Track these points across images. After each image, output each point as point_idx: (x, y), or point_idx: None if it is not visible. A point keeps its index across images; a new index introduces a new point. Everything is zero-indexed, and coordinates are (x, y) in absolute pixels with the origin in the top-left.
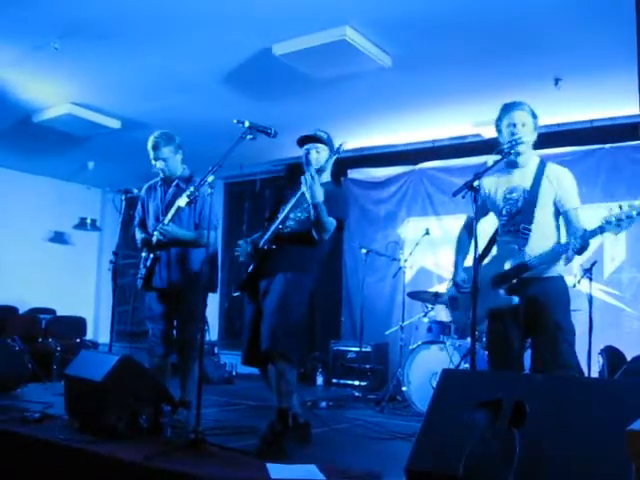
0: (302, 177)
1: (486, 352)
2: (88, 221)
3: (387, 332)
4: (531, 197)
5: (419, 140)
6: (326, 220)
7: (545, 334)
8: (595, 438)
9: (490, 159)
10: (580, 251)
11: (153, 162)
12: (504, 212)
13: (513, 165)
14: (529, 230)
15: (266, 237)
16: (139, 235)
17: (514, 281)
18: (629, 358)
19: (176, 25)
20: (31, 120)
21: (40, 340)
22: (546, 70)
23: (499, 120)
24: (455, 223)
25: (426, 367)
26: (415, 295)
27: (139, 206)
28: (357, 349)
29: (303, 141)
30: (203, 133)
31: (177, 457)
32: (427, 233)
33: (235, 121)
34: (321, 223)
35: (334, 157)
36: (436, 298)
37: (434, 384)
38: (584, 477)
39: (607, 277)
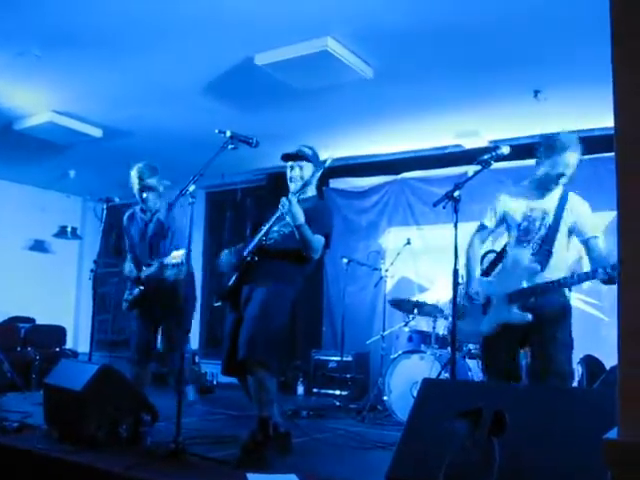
0: (281, 200)
1: (466, 361)
2: (68, 229)
3: (368, 341)
4: (554, 222)
5: (401, 150)
6: (311, 239)
7: (545, 345)
8: (574, 447)
9: (470, 169)
10: (607, 282)
11: (138, 192)
12: (521, 227)
13: (544, 190)
14: (552, 253)
15: (249, 248)
16: (130, 269)
17: (532, 299)
18: (608, 367)
19: (158, 34)
20: (12, 128)
21: (19, 349)
22: (526, 82)
23: (550, 150)
24: (436, 233)
25: (407, 376)
26: (396, 304)
27: (125, 238)
28: (338, 358)
29: (287, 158)
30: (185, 142)
31: (157, 467)
32: (408, 243)
33: (217, 131)
34: (307, 243)
35: (319, 172)
36: (417, 308)
37: (415, 393)
38: None
39: (586, 286)
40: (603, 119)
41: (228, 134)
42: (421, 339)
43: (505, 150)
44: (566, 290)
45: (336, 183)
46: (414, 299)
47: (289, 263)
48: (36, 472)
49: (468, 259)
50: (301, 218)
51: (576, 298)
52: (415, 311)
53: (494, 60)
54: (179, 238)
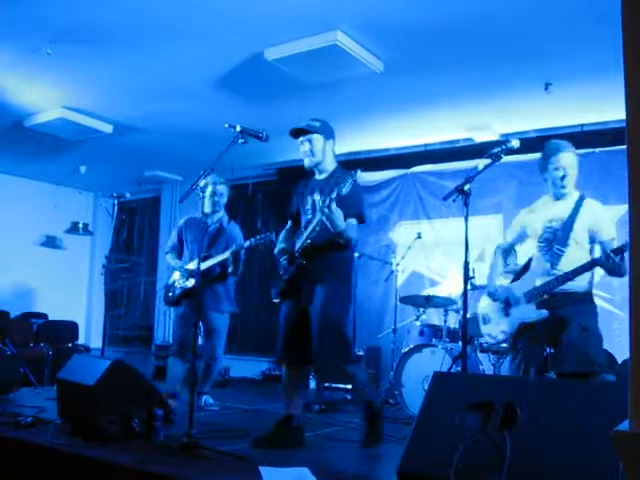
0: (319, 208)
1: (478, 355)
2: (80, 225)
3: (379, 336)
4: (567, 225)
5: (411, 144)
6: (349, 236)
7: (572, 338)
8: (586, 439)
9: (481, 163)
10: (610, 272)
11: (207, 194)
12: (542, 239)
13: (557, 198)
14: (562, 252)
15: (298, 247)
16: (175, 262)
17: (545, 296)
18: (620, 361)
19: (168, 30)
20: (23, 124)
21: (32, 345)
22: (536, 75)
23: (545, 159)
24: (447, 227)
25: (418, 370)
26: (407, 299)
27: (175, 239)
28: None
29: (295, 134)
30: (195, 137)
31: (170, 461)
32: (419, 237)
33: (227, 125)
34: (346, 241)
35: (332, 142)
36: (428, 301)
37: (426, 387)
38: (575, 478)
39: (598, 280)
40: (615, 111)
41: (238, 129)
42: (432, 333)
43: (515, 143)
44: (584, 284)
45: None
46: (425, 293)
47: (337, 255)
48: (49, 466)
49: (490, 272)
50: (342, 225)
51: None
52: (426, 304)
53: (505, 53)
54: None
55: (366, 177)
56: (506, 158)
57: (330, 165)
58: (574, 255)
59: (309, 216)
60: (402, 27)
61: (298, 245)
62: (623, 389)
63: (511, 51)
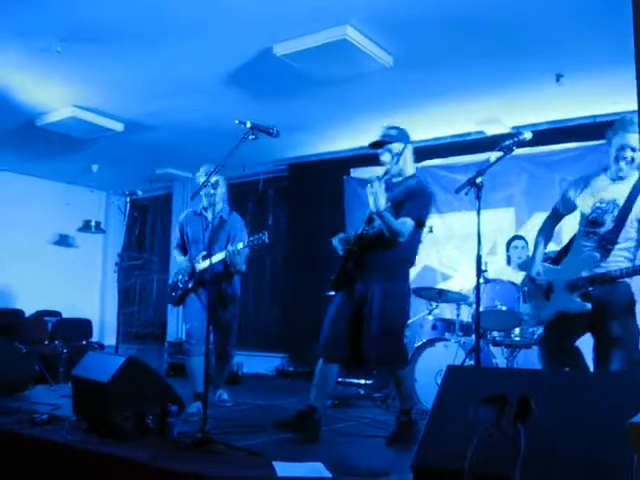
0: (367, 185)
1: (491, 348)
2: (92, 224)
3: None
4: (622, 214)
5: (421, 138)
6: (392, 223)
7: (611, 335)
8: (601, 432)
9: (492, 156)
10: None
11: (204, 191)
12: (590, 219)
13: (613, 178)
14: (614, 244)
15: (353, 236)
16: (180, 259)
17: (591, 289)
18: None
19: (177, 27)
20: (34, 124)
21: (46, 342)
22: (547, 66)
23: (614, 133)
24: (458, 220)
25: (431, 364)
26: (420, 292)
27: (178, 235)
28: None
29: (374, 146)
30: (206, 134)
31: (184, 457)
32: (430, 231)
33: (237, 121)
34: (388, 227)
35: (409, 148)
36: (440, 295)
37: (439, 381)
38: (589, 470)
39: None
40: (627, 102)
41: (248, 125)
42: (445, 327)
43: (527, 136)
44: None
45: (357, 172)
46: (437, 287)
47: (392, 253)
48: (65, 463)
49: (536, 243)
50: (381, 205)
51: None
52: (439, 298)
53: (515, 45)
54: (236, 239)
55: (377, 171)
56: (517, 151)
57: (409, 171)
58: (624, 247)
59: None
60: (411, 21)
61: (355, 233)
62: (637, 379)
63: (522, 43)
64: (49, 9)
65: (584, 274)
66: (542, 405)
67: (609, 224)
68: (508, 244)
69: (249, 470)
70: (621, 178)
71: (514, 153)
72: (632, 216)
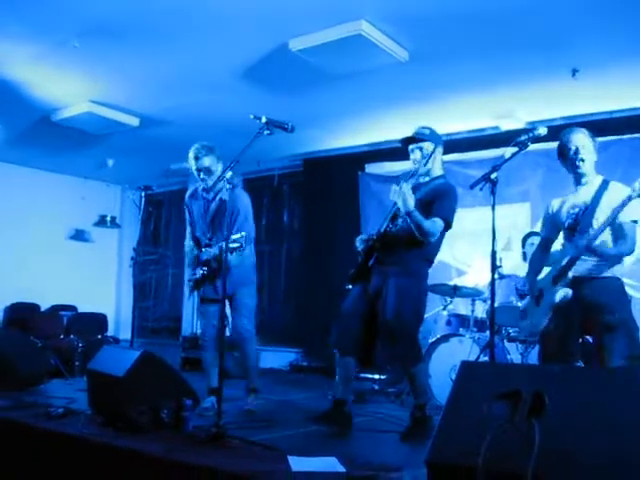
0: (392, 187)
1: (505, 344)
2: (108, 218)
3: None
4: (590, 208)
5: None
6: (423, 223)
7: (601, 331)
8: (615, 427)
9: (507, 151)
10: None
11: (195, 173)
12: (566, 225)
13: (579, 184)
14: (586, 232)
15: (375, 233)
16: (189, 249)
17: (570, 276)
18: None
19: (193, 22)
20: (50, 119)
21: (62, 337)
22: (563, 61)
23: (560, 147)
24: (472, 216)
25: (446, 360)
26: (434, 288)
27: (187, 215)
28: None
29: (406, 142)
30: (221, 129)
31: (199, 451)
32: None
33: (252, 117)
34: (419, 228)
35: (440, 149)
36: (455, 291)
37: (453, 377)
38: (604, 466)
39: (627, 267)
40: None
41: (263, 120)
42: (459, 323)
43: (542, 131)
44: (613, 269)
45: (371, 168)
46: (452, 283)
47: (413, 252)
48: (80, 456)
49: (528, 270)
50: (411, 205)
51: None
52: (453, 294)
53: (531, 39)
54: (241, 220)
55: (391, 167)
56: (532, 146)
57: (437, 172)
58: (601, 239)
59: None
60: (426, 16)
61: (377, 230)
62: None
63: (537, 37)
64: (66, 4)
65: (563, 263)
66: (556, 401)
67: (582, 223)
68: (524, 240)
69: (264, 464)
70: (583, 178)
71: (529, 148)
72: (601, 210)
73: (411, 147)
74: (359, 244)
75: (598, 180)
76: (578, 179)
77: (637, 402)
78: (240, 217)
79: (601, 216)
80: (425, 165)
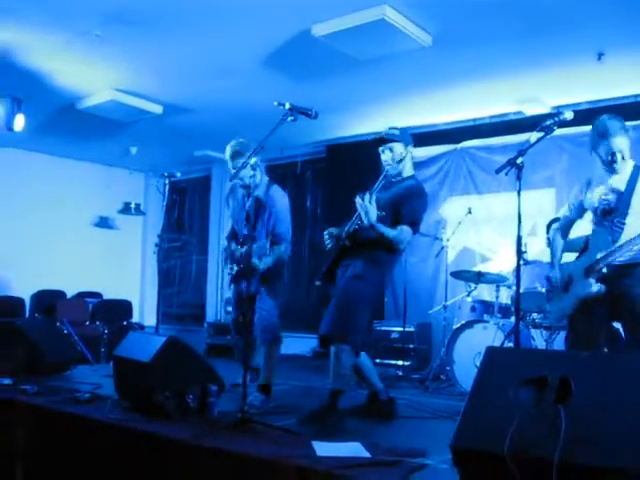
0: (356, 199)
1: (530, 330)
2: (132, 205)
3: (430, 312)
4: (625, 197)
5: (460, 119)
6: (389, 235)
7: (631, 317)
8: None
9: (533, 136)
10: None
11: (232, 171)
12: (599, 211)
13: (611, 172)
14: (623, 224)
15: (345, 231)
16: (226, 245)
17: (604, 270)
18: None
19: (215, 10)
20: (75, 107)
21: (88, 323)
22: (588, 45)
23: (596, 142)
24: (498, 201)
25: (470, 346)
26: (458, 274)
27: (229, 211)
28: (400, 329)
29: (376, 143)
30: (245, 116)
31: (224, 436)
32: (469, 212)
33: (276, 103)
34: (385, 239)
35: (410, 149)
36: (479, 277)
37: (478, 363)
38: (631, 451)
39: None
40: None
41: (287, 106)
42: (484, 309)
43: (568, 115)
44: None
45: None
46: (476, 269)
47: (380, 249)
48: (107, 441)
49: (551, 249)
50: (373, 217)
51: None
52: (478, 280)
53: (555, 22)
54: (275, 222)
55: (415, 153)
56: (557, 131)
57: (408, 172)
58: (633, 229)
59: None
60: (450, 0)
61: (346, 228)
62: None
63: (562, 20)
64: None
65: (599, 256)
66: (582, 386)
67: (615, 210)
68: (548, 226)
69: (289, 449)
70: (616, 171)
71: (554, 133)
72: (635, 200)
73: (381, 148)
74: (327, 238)
75: (630, 166)
76: (610, 171)
77: None
78: (273, 219)
79: (637, 204)
80: (398, 165)
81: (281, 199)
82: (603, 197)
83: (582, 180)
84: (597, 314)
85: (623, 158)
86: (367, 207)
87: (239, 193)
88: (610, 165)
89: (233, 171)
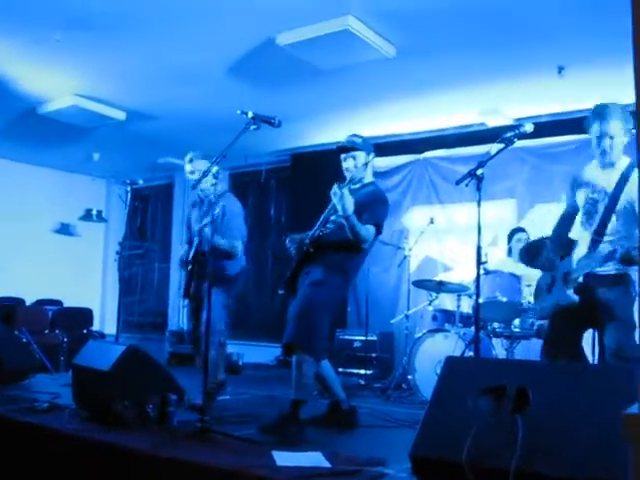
0: (332, 189)
1: (491, 340)
2: (94, 212)
3: (392, 321)
4: (611, 201)
5: (424, 129)
6: (359, 230)
7: (605, 327)
8: (597, 423)
9: (493, 148)
10: (625, 262)
11: (191, 176)
12: (584, 211)
13: (603, 165)
14: (601, 239)
15: (309, 238)
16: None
17: (580, 279)
18: None
19: (179, 15)
20: (36, 112)
21: (47, 331)
22: (549, 58)
23: (590, 123)
24: (460, 212)
25: (431, 355)
26: (420, 284)
27: (188, 225)
28: (363, 338)
29: (339, 151)
30: (208, 124)
31: (183, 446)
32: (432, 222)
33: (239, 112)
34: (355, 233)
35: (372, 158)
36: (441, 286)
37: (439, 372)
38: (586, 461)
39: None
40: (630, 94)
41: (250, 115)
42: (445, 318)
43: (528, 128)
44: (628, 271)
45: None
46: (438, 279)
47: (343, 253)
48: (65, 451)
49: (550, 241)
50: (350, 209)
51: None
52: (439, 289)
53: (517, 36)
54: (229, 232)
55: (378, 163)
56: (519, 143)
57: (368, 178)
58: (612, 239)
59: (331, 216)
60: (414, 11)
61: (310, 233)
62: (632, 372)
63: (524, 34)
64: None
65: (574, 266)
66: (540, 396)
67: (600, 214)
68: (510, 236)
69: (249, 459)
70: (611, 164)
71: (516, 145)
72: (623, 201)
73: (343, 156)
74: (289, 244)
75: (624, 163)
76: (602, 161)
77: (616, 398)
78: (223, 227)
79: (620, 210)
80: (362, 172)
81: (233, 207)
82: (590, 195)
83: (537, 192)
84: (574, 320)
85: (611, 147)
86: (345, 198)
87: (198, 207)
88: (603, 153)
89: (191, 175)
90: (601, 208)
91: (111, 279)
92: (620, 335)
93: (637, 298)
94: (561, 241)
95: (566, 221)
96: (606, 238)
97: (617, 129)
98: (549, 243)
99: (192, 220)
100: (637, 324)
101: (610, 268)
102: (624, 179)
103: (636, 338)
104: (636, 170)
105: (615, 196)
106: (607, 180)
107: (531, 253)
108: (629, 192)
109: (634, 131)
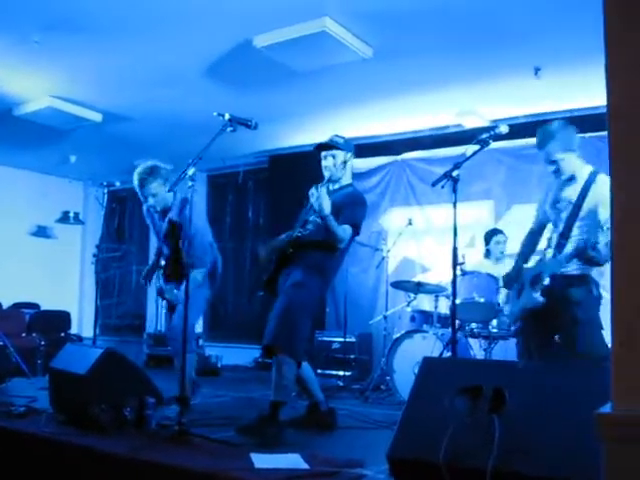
0: (310, 190)
1: (468, 340)
2: (71, 215)
3: (371, 322)
4: (574, 210)
5: (401, 131)
6: (336, 230)
7: (568, 328)
8: (573, 422)
9: (469, 149)
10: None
11: (143, 199)
12: (551, 220)
13: (563, 178)
14: (568, 238)
15: (288, 240)
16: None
17: (545, 281)
18: None
19: (156, 18)
20: (12, 114)
21: (24, 335)
22: (526, 59)
23: (538, 147)
24: (438, 213)
25: (409, 356)
26: (398, 285)
27: (151, 228)
28: (341, 339)
29: (319, 148)
30: (185, 126)
31: (161, 449)
32: (410, 223)
33: (215, 114)
34: (331, 233)
35: (351, 158)
36: (418, 287)
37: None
38: (562, 460)
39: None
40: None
41: (227, 117)
42: (423, 319)
43: (504, 129)
44: (590, 272)
45: None
46: (416, 279)
47: (321, 254)
48: (42, 455)
49: (518, 253)
50: (327, 209)
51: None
52: (417, 290)
53: (494, 38)
54: (192, 244)
55: (356, 164)
56: (496, 144)
57: (346, 180)
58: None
59: (310, 217)
60: (390, 13)
61: (290, 236)
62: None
63: (500, 36)
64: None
65: (540, 269)
66: (517, 396)
67: (564, 222)
68: (488, 238)
69: (226, 461)
70: (571, 178)
71: (492, 146)
72: (582, 214)
73: (324, 154)
74: (262, 252)
75: (586, 172)
76: (560, 179)
77: (591, 397)
78: (188, 241)
79: (585, 217)
80: (340, 172)
81: (196, 222)
82: (556, 205)
83: (515, 192)
84: (541, 322)
85: (560, 168)
86: (322, 198)
87: (154, 216)
88: (551, 171)
89: (143, 199)
90: (564, 216)
91: (89, 282)
92: (588, 337)
93: (601, 300)
94: (530, 255)
95: (534, 235)
96: (570, 240)
97: (558, 150)
98: (520, 261)
99: (156, 226)
100: (602, 325)
101: (574, 267)
102: (586, 189)
103: (604, 338)
104: (599, 176)
105: (578, 205)
106: (572, 191)
107: (512, 280)
108: (591, 200)
109: (587, 135)
